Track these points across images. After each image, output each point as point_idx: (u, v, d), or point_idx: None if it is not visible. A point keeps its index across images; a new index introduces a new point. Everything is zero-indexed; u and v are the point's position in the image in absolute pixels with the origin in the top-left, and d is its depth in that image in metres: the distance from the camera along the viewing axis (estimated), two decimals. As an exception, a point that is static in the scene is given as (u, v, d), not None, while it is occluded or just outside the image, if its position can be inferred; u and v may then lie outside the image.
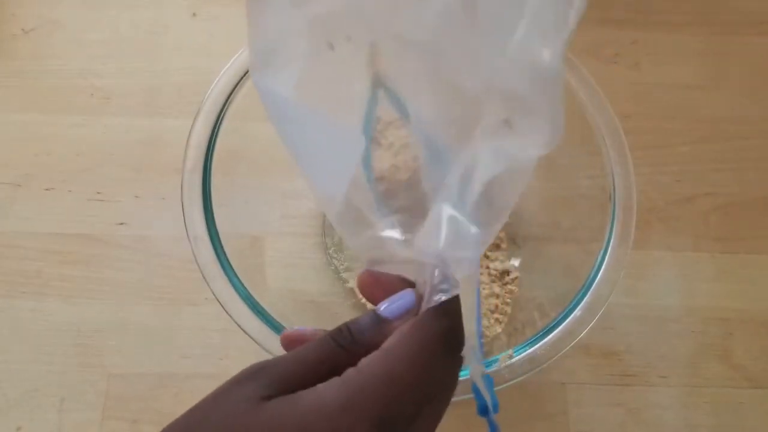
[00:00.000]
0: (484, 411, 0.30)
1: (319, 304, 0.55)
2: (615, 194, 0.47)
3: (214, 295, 0.43)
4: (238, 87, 0.49)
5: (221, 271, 0.45)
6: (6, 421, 0.51)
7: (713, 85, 0.66)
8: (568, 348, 0.42)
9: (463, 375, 0.27)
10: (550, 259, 0.55)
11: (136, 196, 0.58)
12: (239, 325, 0.43)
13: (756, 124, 0.64)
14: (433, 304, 0.26)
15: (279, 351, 0.42)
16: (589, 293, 0.44)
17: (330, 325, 0.28)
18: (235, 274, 0.45)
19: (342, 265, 0.57)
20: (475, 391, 0.30)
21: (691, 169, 0.62)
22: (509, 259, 0.57)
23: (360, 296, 0.54)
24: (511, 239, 0.57)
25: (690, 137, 0.63)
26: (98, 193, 0.58)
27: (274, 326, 0.44)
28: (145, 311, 0.54)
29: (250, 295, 0.44)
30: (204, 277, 0.44)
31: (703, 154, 0.63)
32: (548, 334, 0.43)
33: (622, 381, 0.54)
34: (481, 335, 0.30)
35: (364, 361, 0.25)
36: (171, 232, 0.56)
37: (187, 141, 0.48)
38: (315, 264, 0.57)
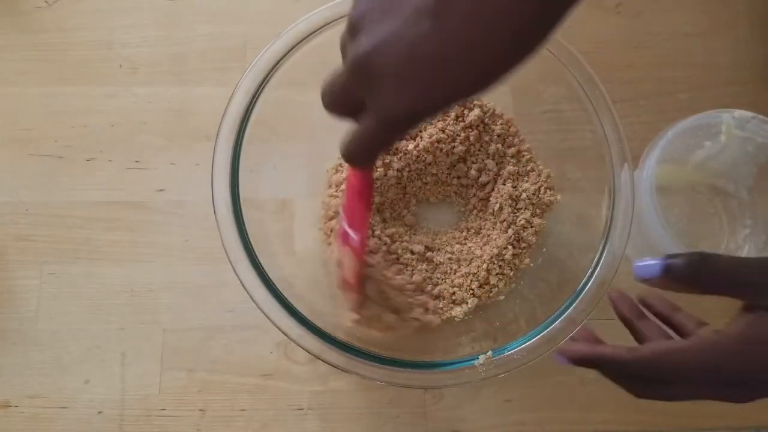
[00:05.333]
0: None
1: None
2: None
3: (230, 262, 0.48)
4: (283, 60, 0.52)
5: (241, 246, 0.49)
6: (74, 375, 0.56)
7: (711, 32, 0.69)
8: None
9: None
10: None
11: (172, 163, 0.62)
12: (243, 285, 0.48)
13: (754, 68, 0.67)
14: None
15: (279, 319, 0.47)
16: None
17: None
18: (252, 249, 0.49)
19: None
20: None
21: (691, 115, 0.65)
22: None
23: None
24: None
25: (690, 84, 0.67)
26: (136, 161, 0.61)
27: (276, 294, 0.48)
28: (190, 271, 0.59)
29: (259, 263, 0.49)
30: (223, 245, 0.49)
31: (702, 100, 0.66)
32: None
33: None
34: None
35: None
36: (208, 197, 0.59)
37: (225, 109, 0.51)
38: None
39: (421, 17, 0.28)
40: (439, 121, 0.60)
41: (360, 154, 0.35)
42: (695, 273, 0.33)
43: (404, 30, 0.29)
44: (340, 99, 0.34)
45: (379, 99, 0.31)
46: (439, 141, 0.59)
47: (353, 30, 0.31)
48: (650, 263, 0.33)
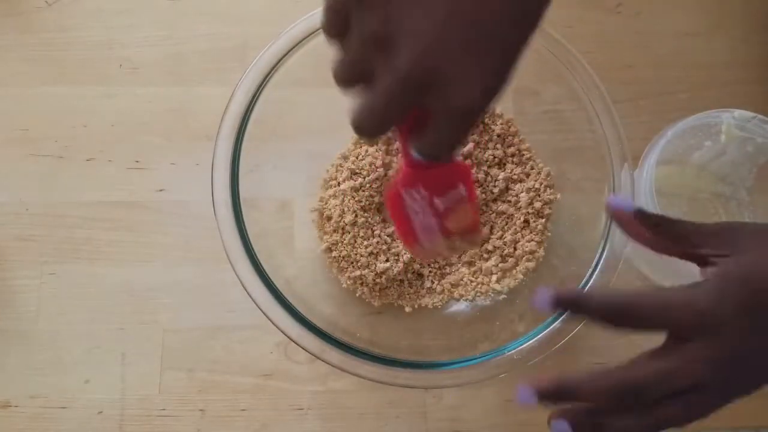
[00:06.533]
0: None
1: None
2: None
3: (230, 262, 0.49)
4: (283, 60, 0.52)
5: (241, 246, 0.49)
6: (74, 376, 0.56)
7: (711, 32, 0.68)
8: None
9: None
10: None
11: (172, 163, 0.62)
12: (243, 285, 0.48)
13: (753, 68, 0.67)
14: None
15: (279, 319, 0.48)
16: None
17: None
18: (252, 249, 0.50)
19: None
20: None
21: (691, 115, 0.65)
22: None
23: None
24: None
25: (689, 84, 0.67)
26: (136, 161, 0.61)
27: (276, 294, 0.48)
28: (191, 271, 0.59)
29: (259, 263, 0.49)
30: (223, 245, 0.49)
31: (702, 100, 0.66)
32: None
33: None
34: None
35: None
36: (208, 197, 0.59)
37: (226, 109, 0.51)
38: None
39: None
40: None
41: (448, 151, 0.35)
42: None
43: (441, 19, 0.29)
44: (397, 114, 0.32)
45: (449, 96, 0.31)
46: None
47: (381, 46, 0.30)
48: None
